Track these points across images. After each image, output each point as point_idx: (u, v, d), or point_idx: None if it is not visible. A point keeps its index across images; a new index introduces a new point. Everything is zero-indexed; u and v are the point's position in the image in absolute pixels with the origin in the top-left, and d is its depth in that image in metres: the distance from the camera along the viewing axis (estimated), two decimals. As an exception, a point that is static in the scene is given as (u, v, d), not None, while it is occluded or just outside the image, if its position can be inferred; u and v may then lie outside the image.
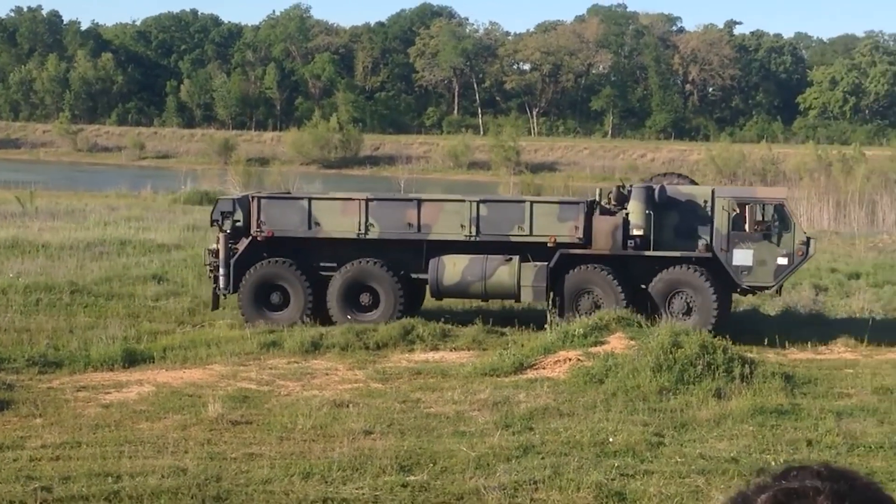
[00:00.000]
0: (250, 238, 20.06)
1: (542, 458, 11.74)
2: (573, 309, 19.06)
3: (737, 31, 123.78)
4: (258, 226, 19.99)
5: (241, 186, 47.22)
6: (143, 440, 12.18)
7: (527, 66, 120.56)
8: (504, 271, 19.29)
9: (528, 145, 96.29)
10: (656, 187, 19.23)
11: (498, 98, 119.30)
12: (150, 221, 33.37)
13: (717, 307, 18.90)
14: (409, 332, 18.43)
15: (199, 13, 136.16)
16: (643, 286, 19.31)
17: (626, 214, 19.10)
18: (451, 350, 18.11)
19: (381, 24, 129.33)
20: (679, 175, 21.46)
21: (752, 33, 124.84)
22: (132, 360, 16.47)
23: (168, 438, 12.17)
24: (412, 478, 10.94)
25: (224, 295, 20.24)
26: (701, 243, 18.95)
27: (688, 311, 18.91)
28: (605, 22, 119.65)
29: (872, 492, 1.82)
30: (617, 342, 16.93)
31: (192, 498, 10.06)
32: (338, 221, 19.90)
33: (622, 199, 19.34)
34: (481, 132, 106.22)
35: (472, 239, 19.56)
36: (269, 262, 19.77)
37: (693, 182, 20.84)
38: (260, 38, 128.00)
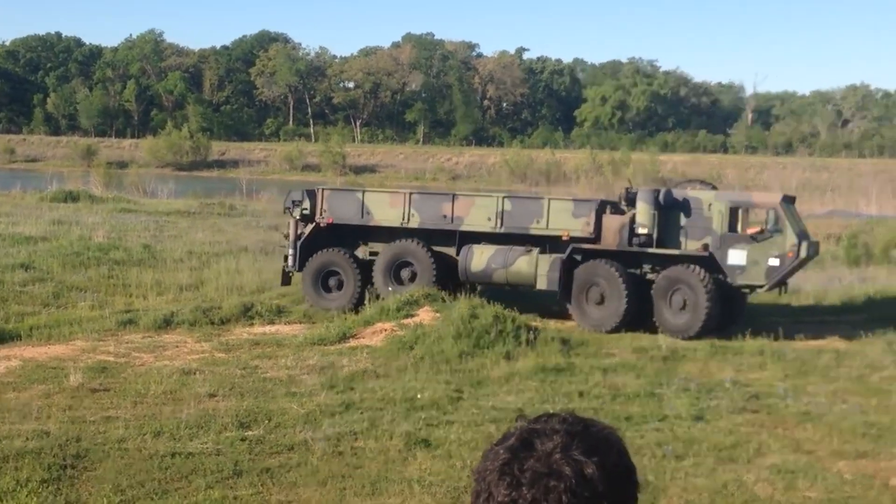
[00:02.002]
0: (314, 224, 19.88)
1: (361, 413, 11.74)
2: (584, 299, 18.14)
3: (525, 56, 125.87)
4: (321, 214, 19.83)
5: (103, 186, 45.75)
6: (9, 408, 11.66)
7: (351, 84, 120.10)
8: (524, 261, 18.55)
9: (353, 151, 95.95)
10: (662, 190, 18.44)
11: (327, 111, 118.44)
12: (19, 217, 31.90)
13: (708, 308, 17.44)
14: (249, 310, 18.15)
15: (62, 35, 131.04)
16: (648, 281, 18.23)
17: (634, 214, 18.14)
18: (285, 324, 17.92)
19: (225, 47, 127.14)
20: (702, 182, 20.01)
21: (538, 58, 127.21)
22: (1, 338, 15.76)
23: (32, 406, 11.68)
24: (250, 433, 10.80)
25: (291, 273, 20.12)
26: (700, 243, 17.90)
27: (684, 307, 17.61)
28: (416, 47, 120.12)
29: (604, 435, 1.85)
30: (425, 315, 17.03)
31: (54, 457, 9.69)
32: (386, 212, 19.55)
33: (630, 200, 18.38)
34: (313, 140, 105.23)
35: (497, 230, 18.88)
36: (329, 250, 19.65)
37: (714, 187, 19.47)
38: (119, 57, 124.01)
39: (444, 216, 19.17)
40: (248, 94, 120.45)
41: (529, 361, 14.54)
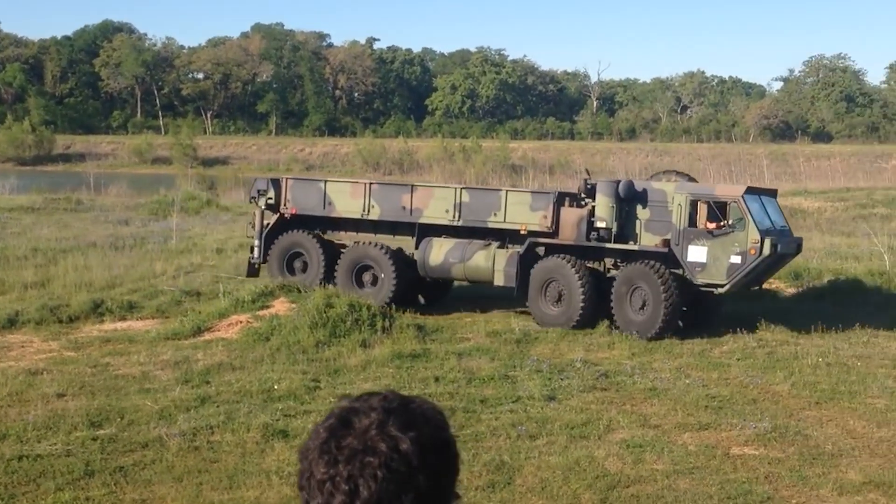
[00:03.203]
0: (279, 215, 19.09)
1: (218, 407, 11.54)
2: (543, 295, 17.07)
3: (376, 46, 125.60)
4: (285, 204, 19.01)
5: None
6: None
7: (200, 75, 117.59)
8: (481, 256, 17.55)
9: (204, 143, 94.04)
10: (622, 181, 17.16)
11: (176, 102, 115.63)
12: None
13: (667, 308, 16.21)
14: (99, 306, 17.55)
15: None
16: (611, 277, 17.07)
17: (593, 207, 17.06)
18: (137, 319, 17.42)
19: (67, 37, 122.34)
20: (678, 172, 18.67)
21: (389, 48, 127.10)
22: None
23: None
24: (101, 432, 10.47)
25: (257, 265, 19.29)
26: (659, 238, 16.69)
27: (643, 306, 16.39)
28: (266, 38, 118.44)
29: (421, 410, 1.88)
30: (280, 305, 16.86)
31: None
32: (347, 203, 18.65)
33: (590, 192, 17.20)
34: (163, 132, 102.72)
35: (455, 223, 17.90)
36: (294, 232, 18.90)
37: (692, 179, 18.12)
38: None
39: (404, 208, 18.27)
40: (92, 86, 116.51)
41: (385, 349, 14.56)
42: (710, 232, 16.21)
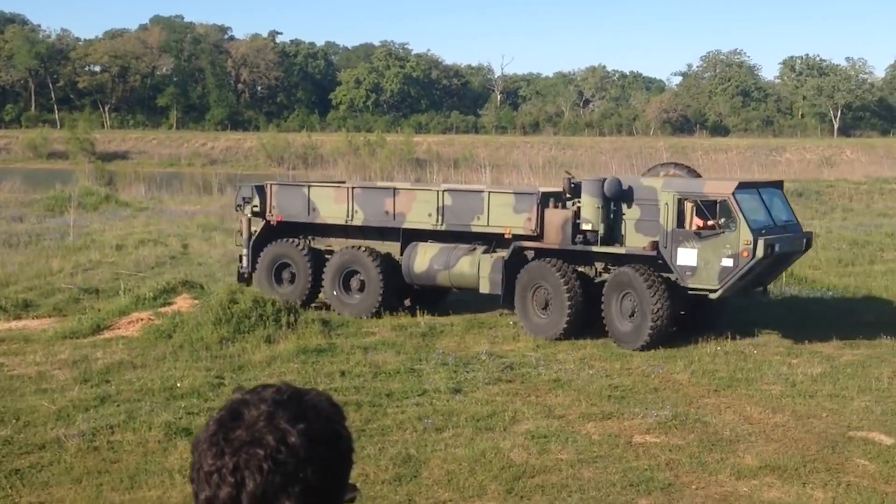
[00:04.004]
0: (265, 222, 18.32)
1: (118, 406, 11.33)
2: (530, 302, 16.01)
3: (279, 39, 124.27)
4: (270, 211, 18.20)
5: None
6: None
7: (97, 68, 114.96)
8: (466, 262, 16.58)
9: (102, 137, 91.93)
10: (607, 179, 15.85)
11: (72, 96, 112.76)
12: None
13: (657, 315, 14.95)
14: (-8, 306, 17.09)
15: None
16: (601, 283, 15.92)
17: (579, 207, 15.88)
18: (33, 318, 16.97)
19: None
20: (676, 164, 17.35)
21: (292, 41, 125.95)
22: None
23: None
24: (-4, 434, 10.21)
25: (246, 273, 18.41)
26: (648, 240, 15.37)
27: (633, 314, 15.19)
28: (165, 30, 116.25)
29: (313, 403, 1.88)
30: (183, 302, 16.61)
31: None
32: (331, 208, 17.74)
33: (574, 191, 16.01)
34: (59, 126, 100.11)
35: (439, 228, 16.89)
36: (281, 241, 18.13)
37: (694, 172, 16.96)
38: None
39: (387, 212, 17.34)
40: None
41: (290, 344, 14.46)
42: (697, 233, 14.97)
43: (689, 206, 15.15)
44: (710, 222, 14.97)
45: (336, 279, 17.50)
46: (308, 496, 1.79)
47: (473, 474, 9.53)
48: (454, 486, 9.28)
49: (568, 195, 16.11)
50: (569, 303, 15.57)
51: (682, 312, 15.82)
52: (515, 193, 16.79)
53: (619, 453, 10.31)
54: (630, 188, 15.68)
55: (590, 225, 15.60)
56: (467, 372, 13.46)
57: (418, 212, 17.08)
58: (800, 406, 12.25)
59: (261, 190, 18.41)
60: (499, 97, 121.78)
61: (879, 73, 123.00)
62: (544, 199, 16.21)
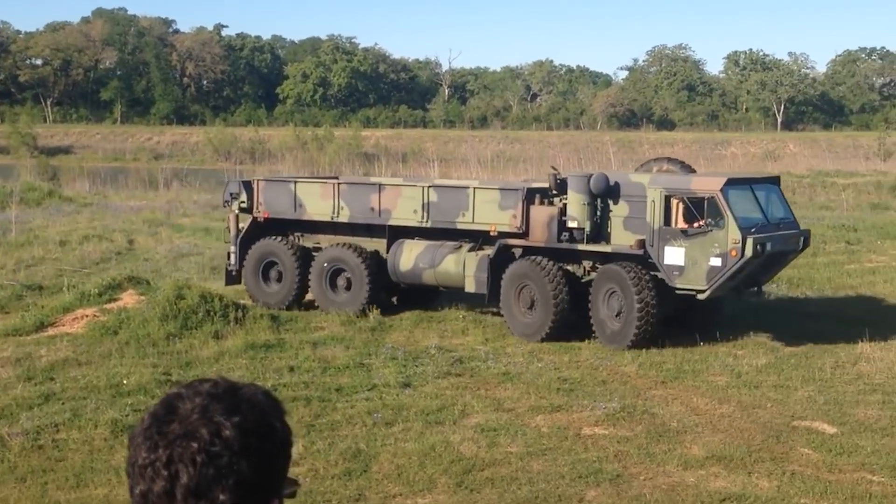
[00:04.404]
0: (252, 219, 17.87)
1: (63, 404, 11.19)
2: (515, 302, 15.52)
3: (224, 33, 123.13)
4: (257, 207, 17.76)
5: None
6: None
7: (39, 62, 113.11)
8: (451, 260, 16.13)
9: (45, 131, 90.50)
10: (593, 174, 15.26)
11: (13, 90, 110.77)
12: None
13: (642, 315, 14.50)
14: (-69, 304, 16.78)
15: None
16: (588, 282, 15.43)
17: (565, 204, 15.43)
18: (-26, 316, 16.72)
19: None
20: (669, 159, 16.78)
21: (238, 35, 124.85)
22: None
23: None
24: (-62, 434, 10.03)
25: (234, 272, 17.98)
26: (636, 239, 14.85)
27: (619, 314, 14.75)
28: (108, 23, 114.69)
29: (248, 396, 1.88)
30: (129, 298, 16.40)
31: None
32: (317, 204, 17.33)
33: (560, 187, 15.53)
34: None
35: (424, 225, 16.47)
36: (268, 239, 17.71)
37: (688, 166, 16.47)
38: None
39: (372, 209, 16.92)
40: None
41: (239, 339, 14.38)
42: (684, 231, 14.45)
43: (676, 202, 14.63)
44: (697, 222, 14.41)
45: (322, 277, 17.16)
46: (242, 489, 1.79)
47: (423, 468, 9.54)
48: (404, 479, 9.29)
49: (554, 191, 15.65)
50: (554, 302, 15.10)
51: (673, 313, 15.26)
52: (501, 189, 16.26)
53: (567, 445, 10.38)
54: (617, 184, 15.22)
55: (576, 222, 15.17)
56: (417, 366, 13.47)
57: (404, 208, 16.68)
58: (745, 397, 12.42)
59: (248, 186, 18.07)
60: (447, 91, 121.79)
61: (821, 68, 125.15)
62: (530, 196, 15.70)
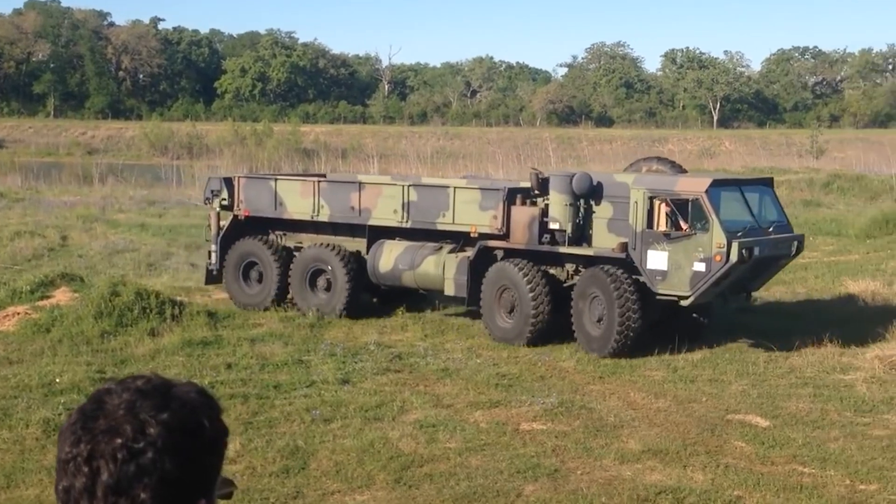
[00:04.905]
0: (233, 216, 17.30)
1: (-6, 403, 10.99)
2: (496, 306, 14.98)
3: (161, 26, 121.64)
4: (238, 205, 17.19)
5: None
6: None
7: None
8: (431, 262, 15.61)
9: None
10: (576, 174, 14.70)
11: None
12: None
13: (623, 321, 13.87)
14: None
15: None
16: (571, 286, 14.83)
17: (547, 205, 14.80)
18: None
19: None
20: (659, 159, 16.05)
21: (175, 28, 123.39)
22: None
23: None
24: None
25: (215, 271, 17.39)
26: (618, 242, 14.26)
27: (600, 320, 14.13)
28: (41, 15, 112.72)
29: (179, 393, 1.85)
30: (62, 295, 16.15)
31: None
32: (298, 203, 16.78)
33: (542, 187, 14.89)
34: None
35: (404, 225, 15.96)
36: (248, 239, 17.19)
37: (678, 166, 15.76)
38: None
39: (352, 208, 16.42)
40: None
41: (175, 337, 14.23)
42: (667, 235, 13.84)
43: (659, 204, 13.96)
44: (679, 224, 13.83)
45: (303, 278, 16.70)
46: (166, 488, 1.76)
47: (362, 465, 9.53)
48: (342, 476, 9.27)
49: (536, 191, 15.02)
50: (534, 305, 14.55)
51: (658, 320, 14.80)
52: (482, 189, 15.64)
53: (506, 441, 10.43)
54: (601, 184, 14.65)
55: (557, 224, 14.58)
56: (356, 362, 13.45)
57: (384, 208, 16.16)
58: (681, 391, 12.58)
59: (229, 182, 17.60)
60: (386, 87, 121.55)
61: (756, 66, 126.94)
62: (511, 196, 15.14)
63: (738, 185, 15.09)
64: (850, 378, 13.22)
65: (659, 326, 14.80)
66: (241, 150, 61.35)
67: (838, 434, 10.94)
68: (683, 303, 13.95)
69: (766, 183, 15.54)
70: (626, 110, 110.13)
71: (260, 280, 17.18)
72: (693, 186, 13.97)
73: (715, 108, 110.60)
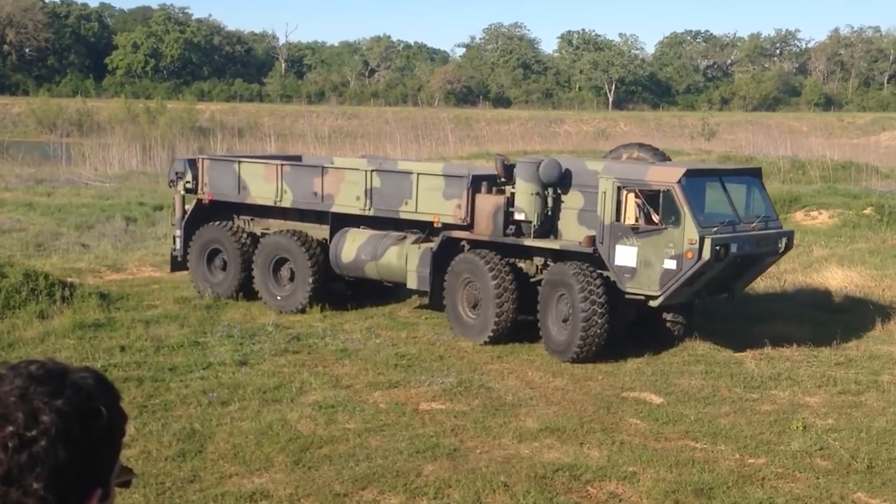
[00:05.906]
0: (197, 200, 16.39)
1: None
2: (460, 301, 14.15)
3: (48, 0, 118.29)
4: (202, 188, 16.30)
5: None
6: None
7: None
8: (393, 253, 14.79)
9: None
10: (544, 161, 13.67)
11: None
12: None
13: (588, 322, 12.82)
14: None
15: None
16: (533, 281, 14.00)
17: (513, 193, 13.84)
18: None
19: None
20: (641, 145, 14.73)
21: (63, 2, 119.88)
22: None
23: None
24: None
25: (179, 257, 16.57)
26: (585, 235, 13.26)
27: (566, 321, 13.12)
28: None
29: (74, 379, 1.80)
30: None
31: None
32: (261, 187, 15.88)
33: (508, 174, 13.90)
34: None
35: (367, 213, 15.10)
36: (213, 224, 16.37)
37: (661, 153, 14.44)
38: None
39: (315, 194, 15.58)
40: None
41: (66, 319, 13.87)
42: (634, 229, 12.77)
43: (627, 195, 12.86)
44: (649, 217, 12.73)
45: (265, 267, 15.96)
46: (59, 477, 1.71)
47: (260, 447, 9.45)
48: (240, 459, 9.18)
49: (502, 178, 14.05)
50: (497, 301, 13.67)
51: (630, 321, 14.07)
52: (445, 176, 14.65)
53: (405, 421, 10.46)
54: (569, 172, 13.66)
55: (523, 214, 13.64)
56: (253, 344, 13.31)
57: (346, 194, 15.31)
58: (578, 370, 12.77)
59: (193, 164, 16.83)
60: (283, 65, 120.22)
61: (650, 49, 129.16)
62: (475, 183, 14.22)
63: (718, 175, 13.76)
64: (739, 356, 13.59)
65: (636, 328, 14.11)
66: (133, 128, 60.05)
67: (728, 410, 11.26)
68: (652, 303, 12.94)
69: (754, 174, 14.32)
70: (524, 91, 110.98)
71: (224, 268, 16.52)
72: (665, 177, 12.76)
73: (610, 90, 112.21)
